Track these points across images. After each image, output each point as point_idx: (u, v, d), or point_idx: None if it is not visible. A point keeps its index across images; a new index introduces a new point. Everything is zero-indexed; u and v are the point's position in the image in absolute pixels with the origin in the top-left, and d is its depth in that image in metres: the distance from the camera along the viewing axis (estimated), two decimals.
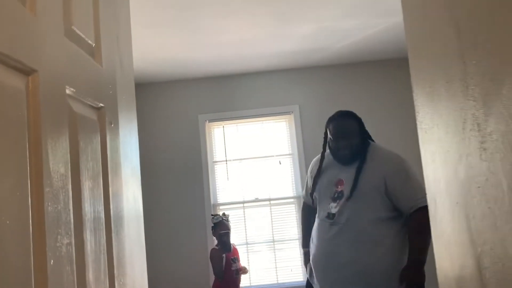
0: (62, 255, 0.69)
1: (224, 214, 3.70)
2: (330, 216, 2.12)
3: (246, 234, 4.16)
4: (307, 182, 2.47)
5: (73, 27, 0.84)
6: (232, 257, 3.53)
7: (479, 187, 0.70)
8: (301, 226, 2.55)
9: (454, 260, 0.86)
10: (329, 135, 2.25)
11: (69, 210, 0.73)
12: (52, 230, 0.66)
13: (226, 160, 4.25)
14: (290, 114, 4.23)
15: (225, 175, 4.24)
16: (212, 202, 4.16)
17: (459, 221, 0.81)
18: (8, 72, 0.59)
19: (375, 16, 3.01)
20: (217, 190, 4.24)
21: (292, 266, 4.10)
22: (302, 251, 2.48)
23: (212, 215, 3.72)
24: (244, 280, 4.01)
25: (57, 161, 0.70)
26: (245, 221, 4.18)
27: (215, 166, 4.26)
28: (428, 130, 0.92)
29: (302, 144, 4.15)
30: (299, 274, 4.05)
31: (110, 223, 0.92)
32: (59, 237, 0.68)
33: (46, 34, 0.71)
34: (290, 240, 4.16)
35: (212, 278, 3.60)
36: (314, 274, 2.21)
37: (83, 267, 0.77)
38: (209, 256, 3.56)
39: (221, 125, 4.28)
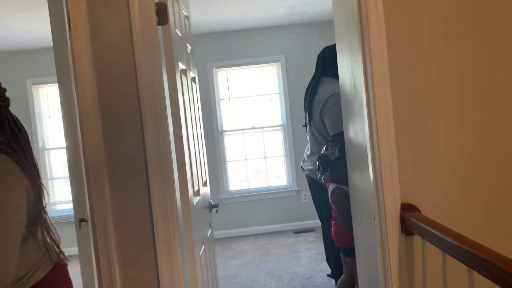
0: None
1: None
2: None
3: (245, 153, 5.59)
4: None
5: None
6: None
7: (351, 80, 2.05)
8: None
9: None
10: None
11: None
12: None
13: (229, 98, 5.59)
14: (278, 62, 5.55)
15: (229, 109, 5.61)
16: (219, 129, 5.54)
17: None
18: None
19: None
20: (223, 121, 5.62)
21: (278, 174, 5.62)
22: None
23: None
24: (242, 183, 5.49)
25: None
26: (244, 143, 5.60)
27: (221, 102, 5.60)
28: (341, 64, 2.27)
29: (287, 85, 5.51)
30: (283, 180, 5.58)
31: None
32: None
33: None
34: (278, 156, 5.63)
35: None
36: None
37: None
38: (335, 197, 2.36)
39: (225, 70, 5.59)
